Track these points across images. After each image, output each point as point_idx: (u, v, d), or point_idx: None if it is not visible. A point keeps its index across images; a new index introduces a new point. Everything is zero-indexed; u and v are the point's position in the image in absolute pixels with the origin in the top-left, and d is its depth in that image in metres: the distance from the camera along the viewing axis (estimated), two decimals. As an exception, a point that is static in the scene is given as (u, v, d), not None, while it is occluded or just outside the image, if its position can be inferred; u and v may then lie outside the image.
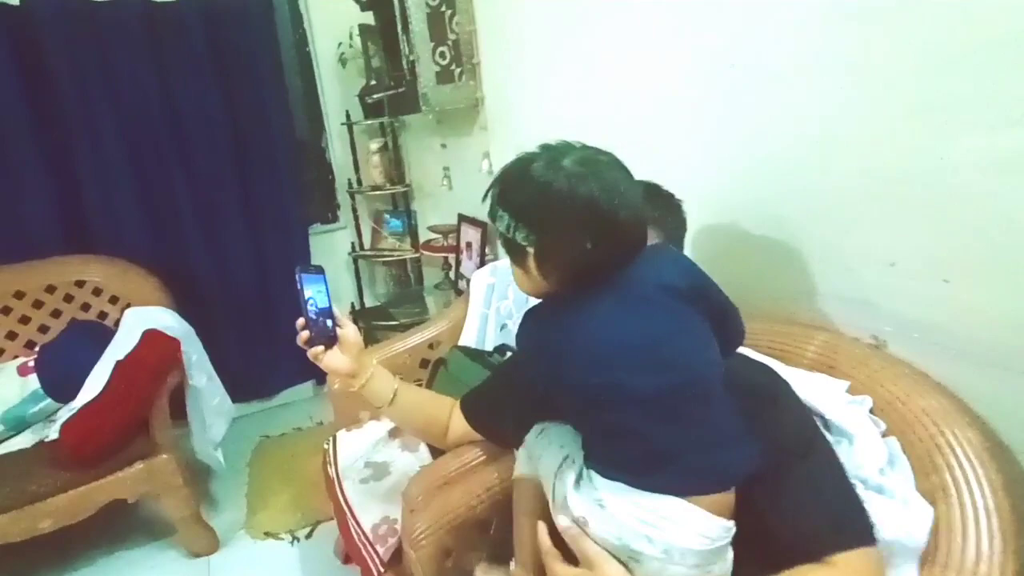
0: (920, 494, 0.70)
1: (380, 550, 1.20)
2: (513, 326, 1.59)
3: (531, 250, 0.69)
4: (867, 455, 0.71)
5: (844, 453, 0.74)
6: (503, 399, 1.06)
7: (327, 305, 0.96)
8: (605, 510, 0.64)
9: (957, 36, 0.73)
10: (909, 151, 0.80)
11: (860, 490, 0.67)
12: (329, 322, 0.96)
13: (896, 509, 0.69)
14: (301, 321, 0.95)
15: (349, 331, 0.98)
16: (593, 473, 0.68)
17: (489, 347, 1.62)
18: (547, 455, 0.77)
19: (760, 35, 1.02)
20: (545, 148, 0.71)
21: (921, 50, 0.77)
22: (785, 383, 0.73)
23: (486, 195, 0.75)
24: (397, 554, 1.19)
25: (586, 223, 0.65)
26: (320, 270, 0.97)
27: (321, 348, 0.96)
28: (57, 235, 2.03)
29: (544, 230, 0.67)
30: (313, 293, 0.95)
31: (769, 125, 1.03)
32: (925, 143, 0.78)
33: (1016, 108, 0.67)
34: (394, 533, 1.21)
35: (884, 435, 0.75)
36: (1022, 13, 0.66)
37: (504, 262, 1.69)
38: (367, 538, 1.24)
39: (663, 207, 0.99)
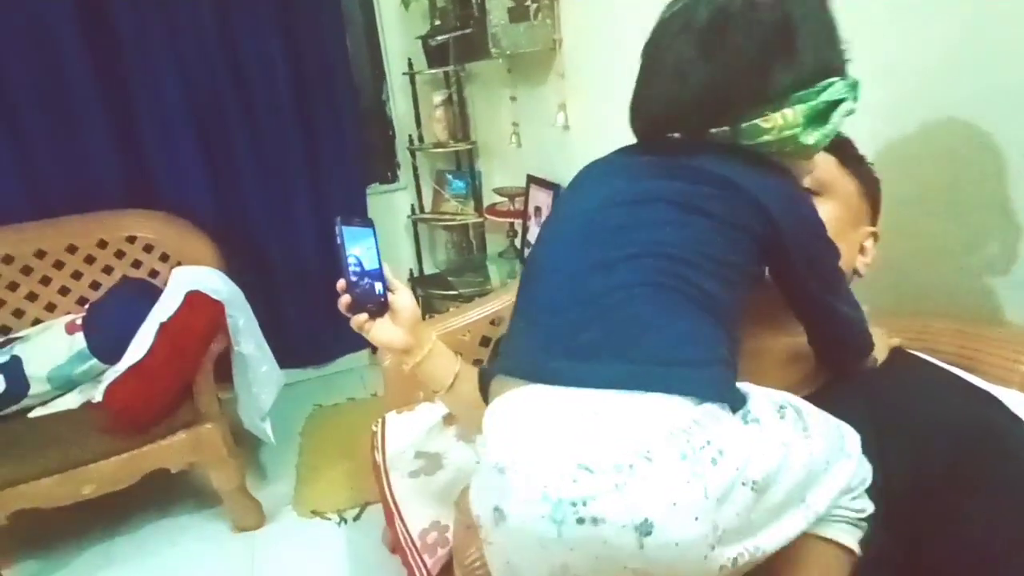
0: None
1: (428, 561, 1.03)
2: (590, 304, 1.36)
3: None
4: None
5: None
6: None
7: (377, 266, 0.78)
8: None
9: None
10: None
11: None
12: (379, 286, 0.78)
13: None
14: (342, 283, 0.77)
15: (403, 297, 0.80)
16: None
17: (560, 327, 1.40)
18: None
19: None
20: None
21: None
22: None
23: None
24: (447, 568, 1.02)
25: None
26: (368, 223, 0.78)
27: (365, 316, 0.78)
28: (116, 189, 1.96)
29: None
30: (359, 250, 0.77)
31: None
32: None
33: None
34: (445, 543, 1.04)
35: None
36: None
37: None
38: (414, 544, 1.07)
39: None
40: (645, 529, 0.41)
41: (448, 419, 1.36)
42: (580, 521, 0.41)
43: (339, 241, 0.75)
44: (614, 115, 1.63)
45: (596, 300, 0.51)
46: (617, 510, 0.41)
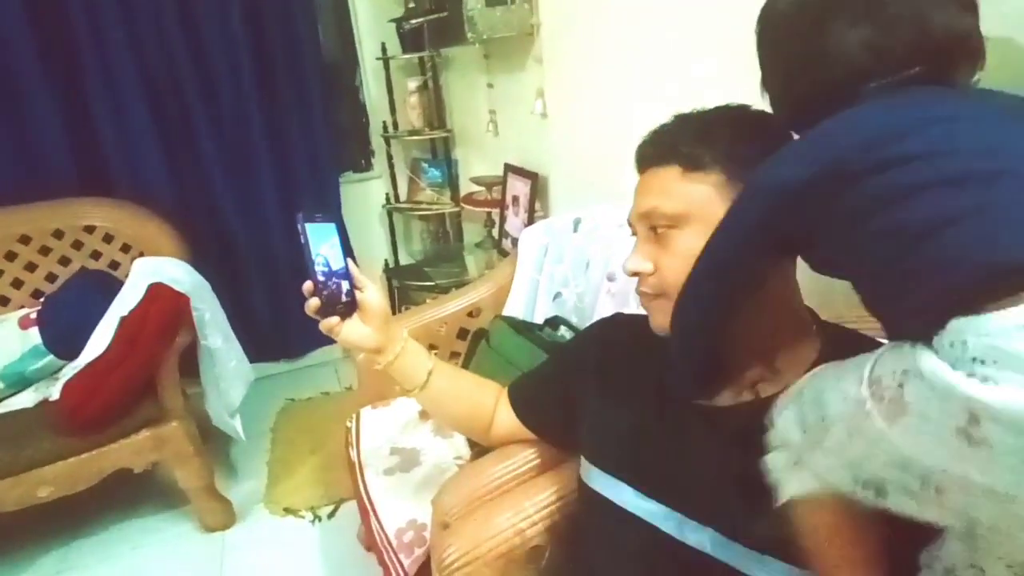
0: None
1: (405, 562, 1.00)
2: (569, 295, 1.34)
3: None
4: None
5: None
6: (566, 392, 0.82)
7: (343, 264, 0.74)
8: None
9: None
10: None
11: None
12: (345, 284, 0.75)
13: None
14: (309, 285, 0.74)
15: (371, 295, 0.77)
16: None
17: (539, 319, 1.37)
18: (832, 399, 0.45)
19: None
20: None
21: None
22: None
23: None
24: (424, 567, 0.99)
25: None
26: (332, 218, 0.74)
27: (336, 319, 0.75)
28: (69, 175, 1.86)
29: None
30: (325, 248, 0.73)
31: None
32: None
33: None
34: (422, 542, 1.00)
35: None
36: None
37: (559, 219, 1.42)
38: (390, 544, 1.04)
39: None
40: None
41: (424, 414, 1.33)
42: None
43: (303, 240, 0.72)
44: (594, 102, 1.61)
45: None
46: None
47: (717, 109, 0.63)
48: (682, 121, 0.63)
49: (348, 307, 0.76)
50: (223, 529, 1.63)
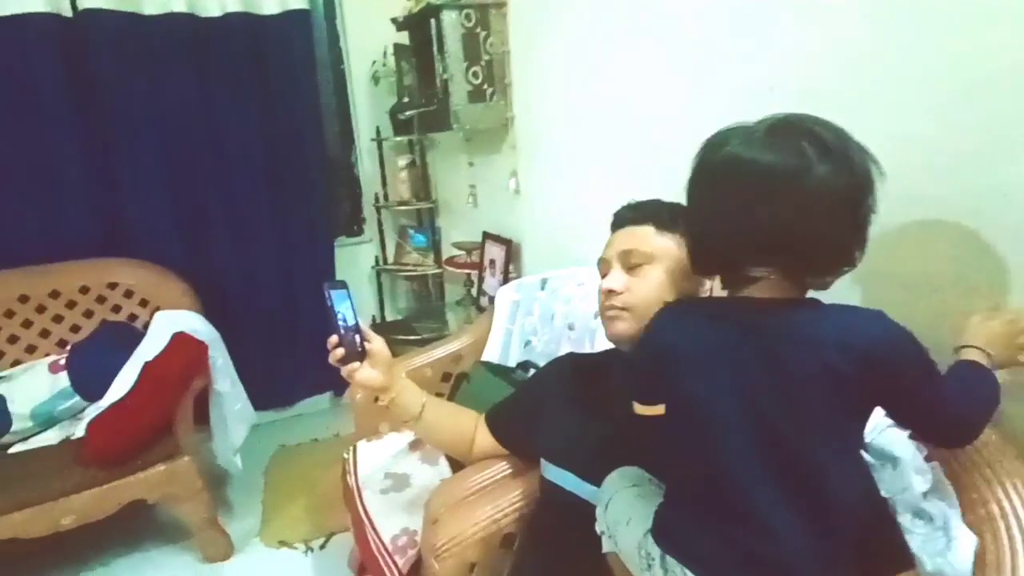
0: (966, 525, 0.68)
1: (399, 561, 1.19)
2: (537, 342, 1.59)
3: None
4: (912, 478, 0.70)
5: (888, 476, 0.72)
6: (530, 412, 1.06)
7: (355, 320, 0.95)
8: None
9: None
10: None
11: (905, 518, 0.66)
12: (357, 337, 0.95)
13: (939, 537, 0.67)
14: (334, 339, 0.93)
15: (378, 345, 0.98)
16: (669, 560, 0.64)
17: (512, 363, 1.62)
18: (622, 535, 0.74)
19: (802, 58, 1.03)
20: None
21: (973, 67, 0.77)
22: None
23: None
24: (416, 567, 1.18)
25: None
26: (344, 284, 0.96)
27: (357, 364, 0.95)
28: (95, 239, 2.08)
29: None
30: (341, 308, 0.94)
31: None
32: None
33: None
34: (414, 544, 1.20)
35: (926, 459, 0.74)
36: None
37: (529, 279, 1.70)
38: (386, 548, 1.23)
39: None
40: None
41: (413, 445, 1.54)
42: None
43: (329, 303, 0.93)
44: (559, 181, 1.92)
45: None
46: None
47: (672, 203, 0.91)
48: (655, 202, 0.93)
49: (361, 356, 0.96)
50: (223, 560, 1.77)
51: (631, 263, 0.89)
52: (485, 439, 1.13)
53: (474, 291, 2.42)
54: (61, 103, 1.98)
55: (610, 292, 0.89)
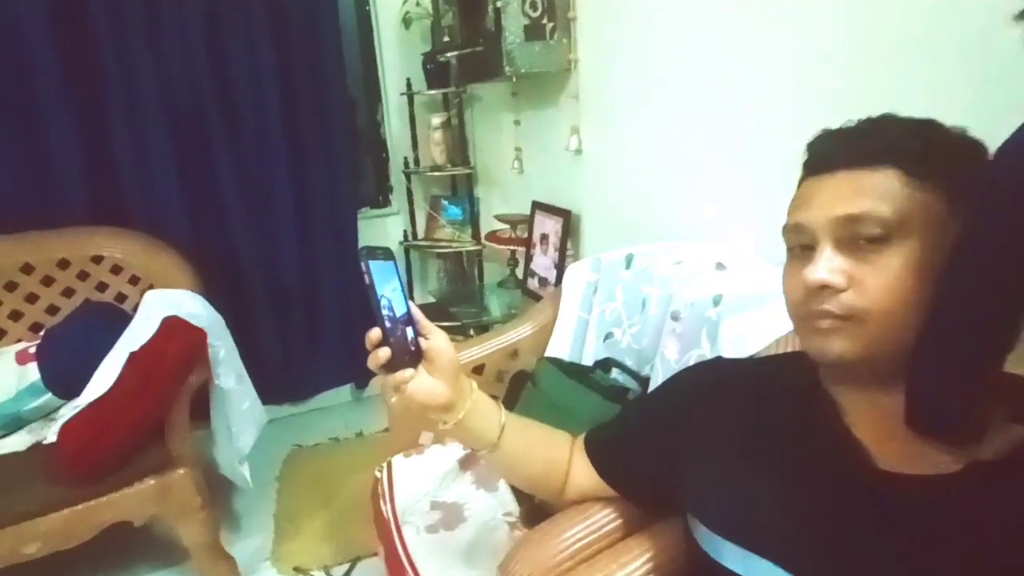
0: None
1: (459, 636, 0.87)
2: (622, 335, 1.25)
3: None
4: None
5: None
6: (661, 449, 0.72)
7: (405, 308, 0.63)
8: None
9: None
10: None
11: None
12: (410, 331, 0.63)
13: None
14: (376, 334, 0.61)
15: (439, 341, 0.66)
16: None
17: (588, 361, 1.28)
18: None
19: None
20: None
21: None
22: None
23: None
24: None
25: None
26: (389, 254, 0.63)
27: (411, 372, 0.63)
28: (81, 203, 1.78)
29: None
30: (388, 291, 0.61)
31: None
32: None
33: None
34: (479, 614, 0.88)
35: None
36: None
37: (610, 255, 1.35)
38: (439, 615, 0.91)
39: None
40: None
41: (465, 463, 1.21)
42: None
43: (368, 281, 0.60)
44: (634, 139, 1.57)
45: None
46: None
47: (923, 121, 0.53)
48: (894, 123, 0.54)
49: (415, 358, 0.64)
50: (227, 591, 1.47)
51: (860, 236, 0.50)
52: (585, 475, 0.79)
53: (519, 271, 2.08)
54: (42, 37, 1.67)
55: (823, 288, 0.51)
